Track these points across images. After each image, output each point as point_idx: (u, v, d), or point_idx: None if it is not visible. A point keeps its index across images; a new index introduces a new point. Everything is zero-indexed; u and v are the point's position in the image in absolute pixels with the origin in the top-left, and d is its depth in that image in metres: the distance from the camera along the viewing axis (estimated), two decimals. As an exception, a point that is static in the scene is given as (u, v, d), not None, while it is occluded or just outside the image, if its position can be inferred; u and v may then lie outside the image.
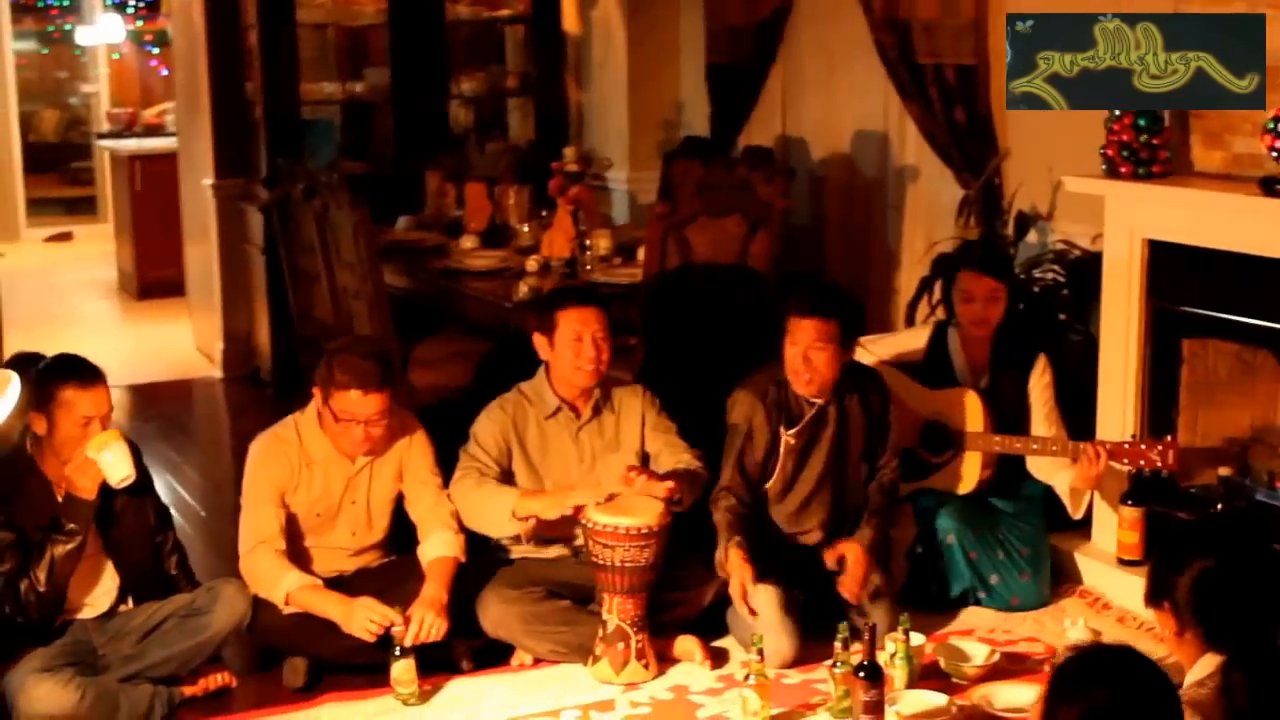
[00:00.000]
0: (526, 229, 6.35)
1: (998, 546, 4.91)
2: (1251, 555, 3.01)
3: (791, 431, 4.60)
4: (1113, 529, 4.98)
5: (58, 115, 14.90)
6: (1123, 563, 4.93)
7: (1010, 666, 4.48)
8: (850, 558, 4.56)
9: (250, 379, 7.92)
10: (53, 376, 4.13)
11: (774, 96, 7.26)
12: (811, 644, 4.43)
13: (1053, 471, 4.91)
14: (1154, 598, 3.04)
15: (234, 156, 7.91)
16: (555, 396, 4.62)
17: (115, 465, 4.08)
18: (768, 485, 4.67)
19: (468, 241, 6.46)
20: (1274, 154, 4.08)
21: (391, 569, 4.55)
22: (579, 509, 4.35)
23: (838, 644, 4.14)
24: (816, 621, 4.48)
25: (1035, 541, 4.99)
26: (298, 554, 4.49)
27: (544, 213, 6.63)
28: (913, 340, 5.17)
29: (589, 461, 4.64)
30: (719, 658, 4.51)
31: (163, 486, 5.16)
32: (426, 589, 4.36)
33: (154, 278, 10.06)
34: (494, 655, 4.50)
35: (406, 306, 6.19)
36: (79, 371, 4.15)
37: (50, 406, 4.10)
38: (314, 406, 4.46)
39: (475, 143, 7.50)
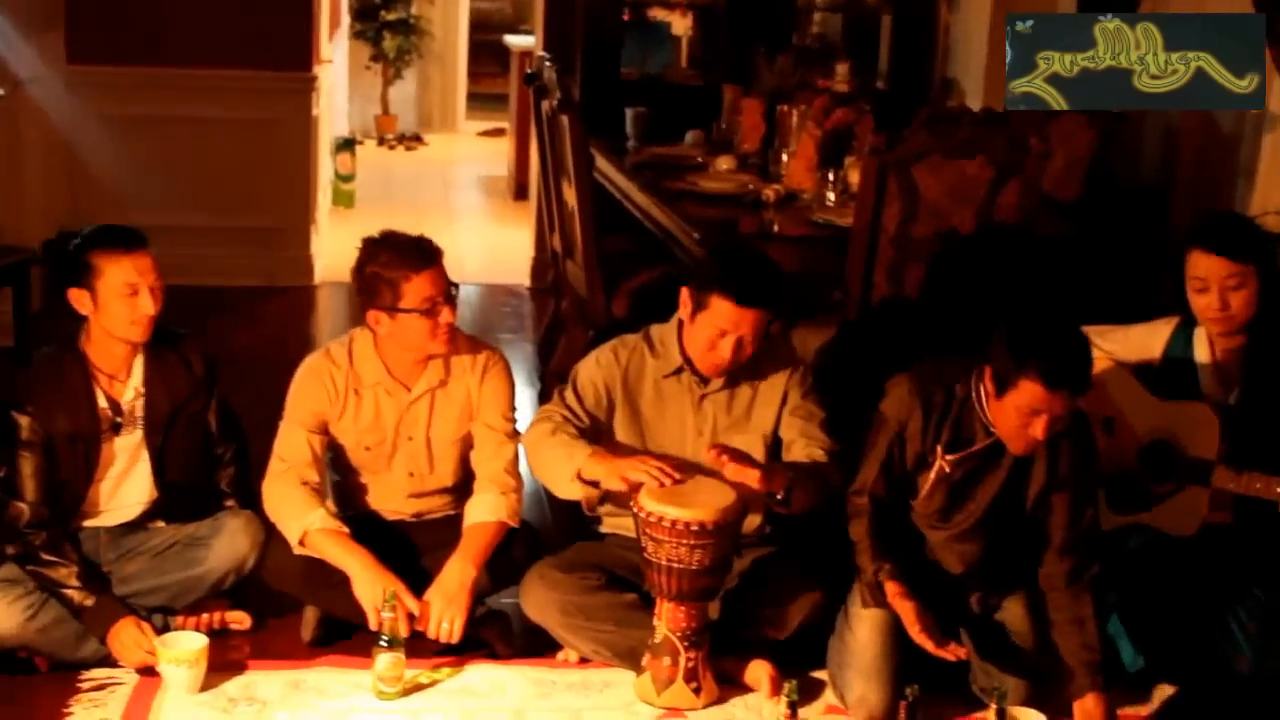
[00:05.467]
0: (788, 157, 5.49)
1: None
2: None
3: (951, 456, 3.61)
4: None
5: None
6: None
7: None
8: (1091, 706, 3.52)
9: (550, 290, 7.43)
10: (86, 247, 3.70)
11: (1143, 27, 6.05)
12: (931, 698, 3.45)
13: (1305, 525, 3.72)
14: None
15: (561, 53, 7.36)
16: (681, 354, 3.83)
17: (176, 682, 3.56)
18: (913, 502, 3.72)
19: (725, 162, 5.68)
20: None
21: (455, 523, 3.89)
22: (638, 486, 3.57)
23: (902, 710, 3.21)
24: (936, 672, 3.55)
25: (1273, 617, 3.79)
26: (352, 488, 3.95)
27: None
28: (1151, 336, 4.02)
29: (708, 436, 3.83)
30: (805, 692, 3.62)
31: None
32: (450, 567, 3.71)
33: (527, 179, 9.70)
34: (543, 641, 3.81)
35: (641, 232, 5.51)
36: (114, 237, 3.71)
37: (89, 280, 3.67)
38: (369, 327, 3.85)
39: (764, 55, 6.62)
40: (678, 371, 3.82)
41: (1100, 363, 3.98)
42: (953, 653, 3.43)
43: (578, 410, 3.79)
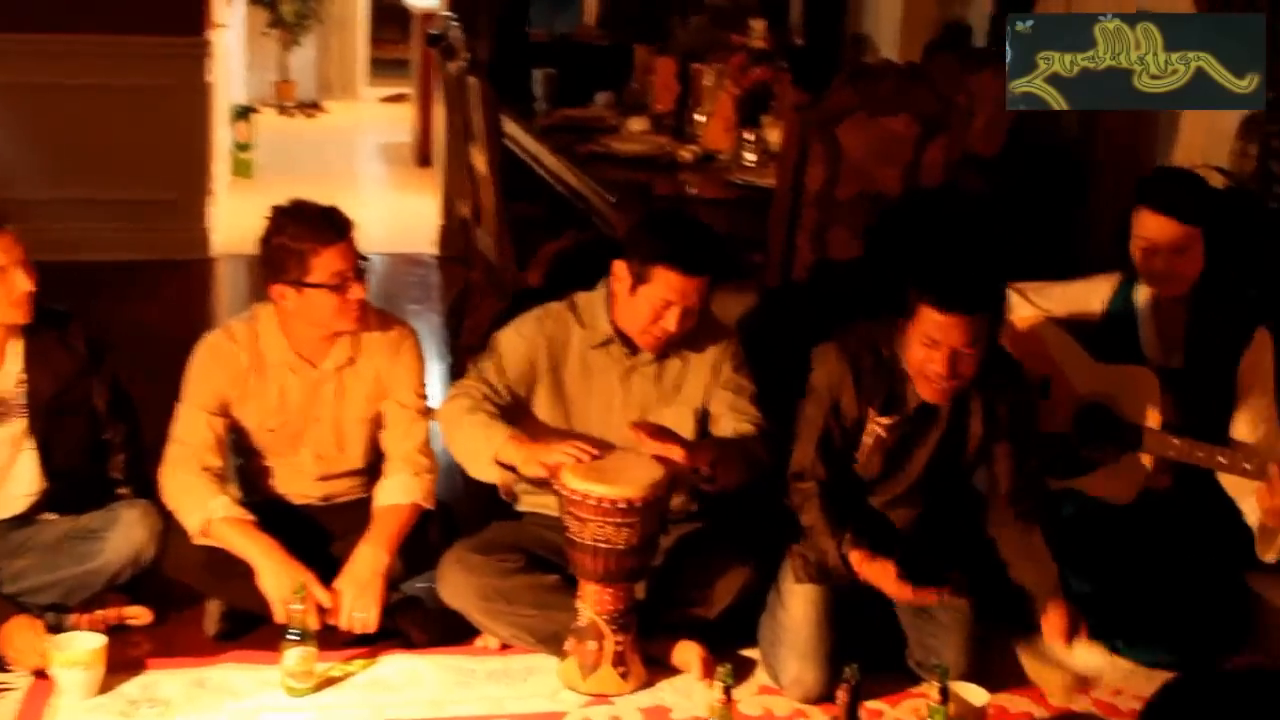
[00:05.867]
0: (703, 118, 5.31)
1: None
2: None
3: (885, 420, 3.48)
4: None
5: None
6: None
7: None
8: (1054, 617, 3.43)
9: (463, 259, 7.20)
10: None
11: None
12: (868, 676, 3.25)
13: (1246, 492, 3.61)
14: None
15: (466, 14, 7.12)
16: (610, 325, 3.65)
17: (71, 686, 3.30)
18: (854, 467, 3.58)
19: (637, 124, 5.50)
20: None
21: (366, 506, 3.69)
22: (557, 470, 3.39)
23: (841, 691, 3.06)
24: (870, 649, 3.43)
25: (1215, 587, 3.69)
26: (256, 472, 3.74)
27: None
28: (1090, 293, 3.89)
29: (636, 413, 3.64)
30: (737, 673, 3.44)
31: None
32: (362, 553, 3.52)
33: (431, 145, 9.45)
34: (461, 627, 3.62)
35: (552, 197, 5.31)
36: None
37: None
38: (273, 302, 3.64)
39: (677, 12, 6.44)
40: (606, 343, 3.64)
41: (1036, 320, 3.87)
42: (936, 594, 3.31)
43: (497, 385, 3.61)
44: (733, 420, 3.62)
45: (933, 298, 3.27)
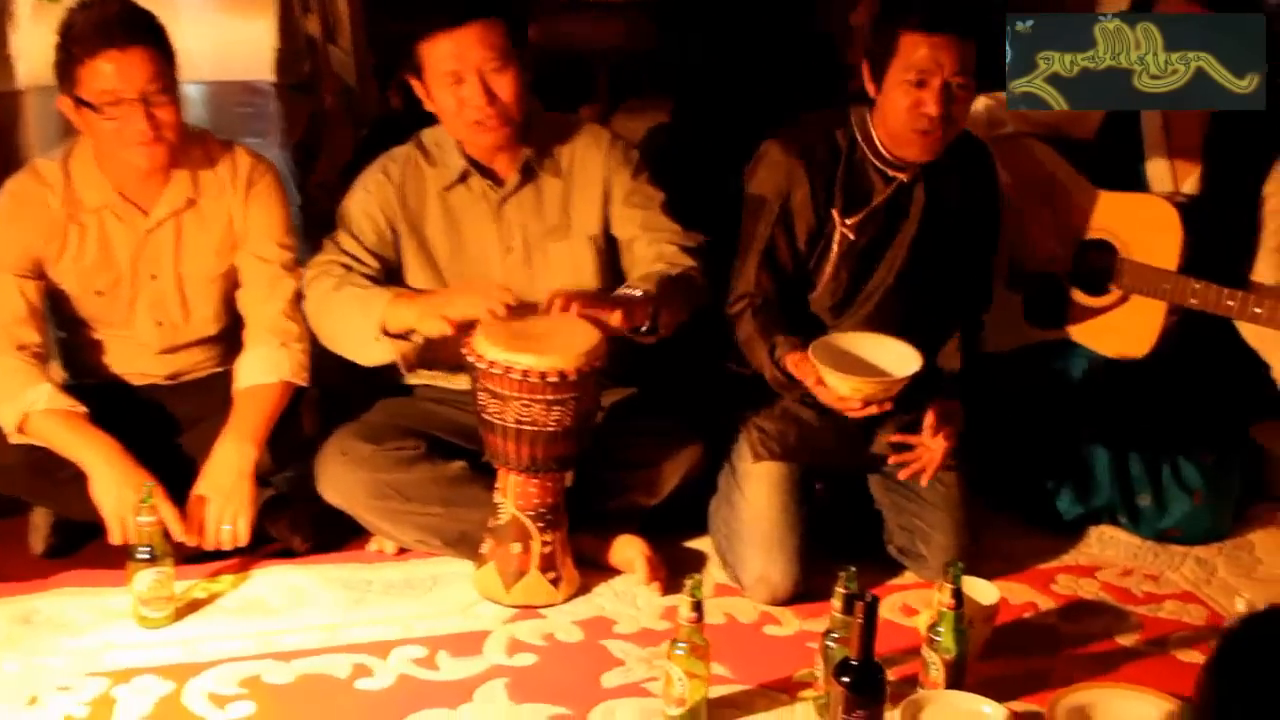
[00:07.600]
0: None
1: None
2: None
3: (851, 220, 2.88)
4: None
5: None
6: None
7: (1139, 644, 2.80)
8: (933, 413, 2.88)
9: (303, 87, 6.42)
10: None
11: None
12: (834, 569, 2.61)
13: (1274, 344, 3.09)
14: None
15: None
16: (463, 156, 2.98)
17: None
18: (811, 296, 2.98)
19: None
20: None
21: (223, 383, 3.01)
22: (464, 327, 2.74)
23: (836, 600, 2.49)
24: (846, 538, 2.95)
25: (1226, 445, 3.21)
26: (84, 347, 3.04)
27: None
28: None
29: (520, 252, 3.01)
30: (685, 570, 2.85)
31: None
32: (223, 449, 2.85)
33: (261, -41, 8.55)
34: (349, 527, 2.98)
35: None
36: None
37: None
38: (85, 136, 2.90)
39: None
40: (463, 178, 2.99)
41: (1019, 140, 3.30)
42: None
43: (360, 254, 2.97)
44: (650, 243, 2.99)
45: (918, 18, 2.79)
